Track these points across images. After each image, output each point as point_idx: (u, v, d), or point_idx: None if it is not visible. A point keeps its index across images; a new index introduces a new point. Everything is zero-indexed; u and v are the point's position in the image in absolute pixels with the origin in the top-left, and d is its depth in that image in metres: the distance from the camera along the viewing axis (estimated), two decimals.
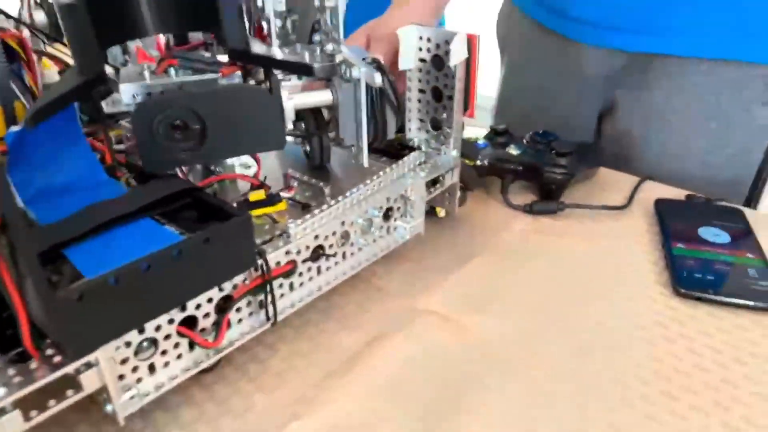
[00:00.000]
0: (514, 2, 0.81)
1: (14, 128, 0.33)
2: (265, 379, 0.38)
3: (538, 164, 0.57)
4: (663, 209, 0.54)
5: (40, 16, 0.37)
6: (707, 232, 0.50)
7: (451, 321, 0.43)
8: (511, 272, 0.48)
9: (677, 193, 0.58)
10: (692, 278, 0.45)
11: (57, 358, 0.29)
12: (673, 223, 0.52)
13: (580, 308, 0.44)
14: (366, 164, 0.41)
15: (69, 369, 0.28)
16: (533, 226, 0.55)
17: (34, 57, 0.36)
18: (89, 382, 0.30)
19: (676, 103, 0.67)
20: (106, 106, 0.45)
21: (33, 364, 0.28)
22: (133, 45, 0.45)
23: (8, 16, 0.39)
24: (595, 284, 0.46)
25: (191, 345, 0.35)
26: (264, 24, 0.43)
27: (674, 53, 0.65)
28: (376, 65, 0.41)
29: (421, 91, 0.49)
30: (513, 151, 0.58)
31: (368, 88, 0.40)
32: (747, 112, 0.64)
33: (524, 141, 0.60)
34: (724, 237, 0.50)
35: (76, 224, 0.32)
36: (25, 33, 0.38)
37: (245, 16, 0.43)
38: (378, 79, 0.38)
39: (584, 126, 0.76)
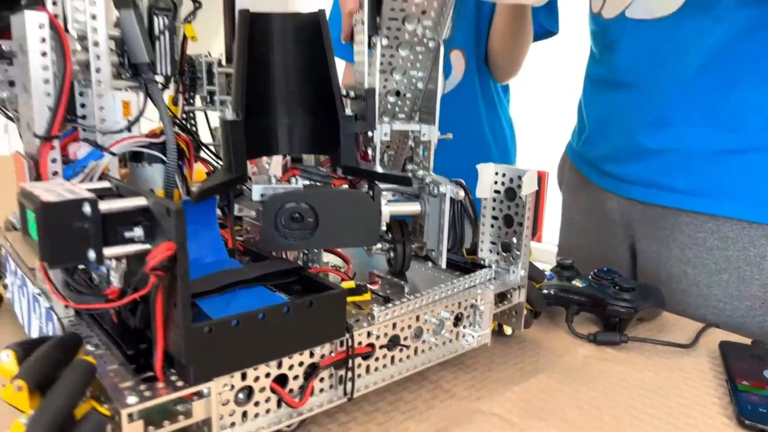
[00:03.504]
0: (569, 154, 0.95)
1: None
2: None
3: (602, 297, 0.60)
4: (728, 351, 0.55)
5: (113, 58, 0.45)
6: None
7: (512, 424, 0.45)
8: (575, 391, 0.50)
9: (742, 340, 0.60)
10: (757, 412, 0.45)
11: (179, 384, 0.34)
12: (739, 362, 0.53)
13: (644, 431, 0.45)
14: (444, 265, 0.47)
15: (187, 392, 0.34)
16: (597, 354, 0.57)
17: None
18: (199, 411, 0.35)
19: (691, 256, 0.72)
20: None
21: (160, 385, 0.34)
22: None
23: (179, 125, 0.51)
24: (659, 411, 0.47)
25: (279, 403, 0.39)
26: (369, 151, 0.53)
27: (683, 207, 0.72)
28: (460, 185, 0.49)
29: (494, 218, 0.56)
30: (578, 283, 0.63)
31: (450, 203, 0.48)
32: (758, 268, 0.68)
33: (589, 277, 0.64)
34: None
35: (208, 283, 0.40)
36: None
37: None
38: (461, 193, 0.45)
39: (621, 265, 0.82)
